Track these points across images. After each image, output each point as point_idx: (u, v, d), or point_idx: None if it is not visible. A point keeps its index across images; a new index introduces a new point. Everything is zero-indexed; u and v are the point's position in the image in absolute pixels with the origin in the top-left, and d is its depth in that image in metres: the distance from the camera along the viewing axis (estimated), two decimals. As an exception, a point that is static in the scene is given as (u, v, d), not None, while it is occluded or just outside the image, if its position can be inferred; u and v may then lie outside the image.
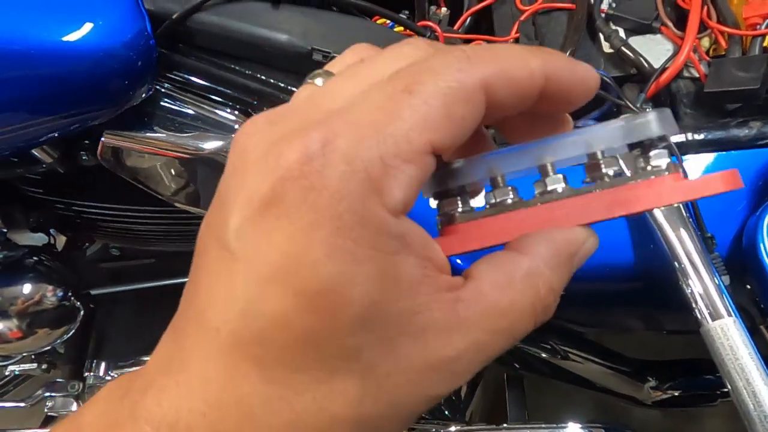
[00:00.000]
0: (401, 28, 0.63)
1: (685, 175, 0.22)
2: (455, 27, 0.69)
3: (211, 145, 0.59)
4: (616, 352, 0.90)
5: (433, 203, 0.24)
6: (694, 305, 0.49)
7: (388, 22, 0.63)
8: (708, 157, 0.57)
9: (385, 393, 0.20)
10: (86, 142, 0.67)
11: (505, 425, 0.70)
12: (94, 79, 0.51)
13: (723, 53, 0.62)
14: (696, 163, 0.57)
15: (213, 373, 0.20)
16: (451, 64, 0.20)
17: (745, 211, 0.56)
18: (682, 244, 0.51)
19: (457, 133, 0.20)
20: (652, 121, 0.22)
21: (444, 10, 0.71)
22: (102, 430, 0.21)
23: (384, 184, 0.19)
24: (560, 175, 0.22)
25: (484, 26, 0.71)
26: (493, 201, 0.22)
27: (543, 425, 0.68)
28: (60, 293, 0.74)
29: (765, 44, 0.60)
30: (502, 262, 0.21)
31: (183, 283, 0.76)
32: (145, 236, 0.83)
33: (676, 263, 0.51)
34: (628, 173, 0.21)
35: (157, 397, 0.20)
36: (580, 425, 0.69)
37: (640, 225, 0.55)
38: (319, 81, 0.23)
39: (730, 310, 0.48)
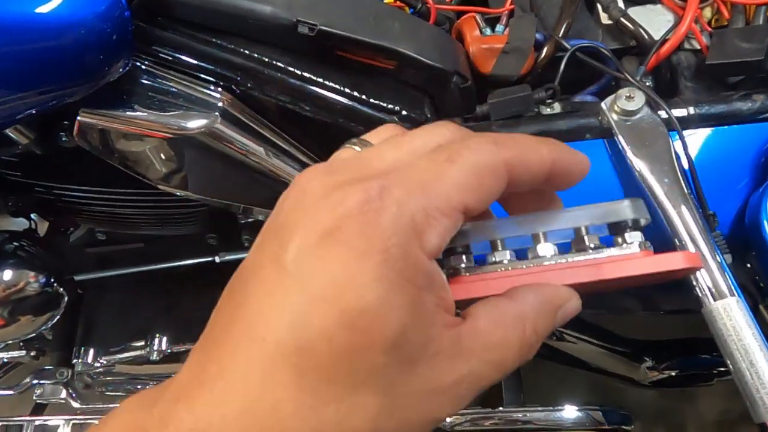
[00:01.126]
0: (391, 0, 0.61)
1: (654, 252, 0.26)
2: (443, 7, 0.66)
3: (195, 123, 0.56)
4: (612, 332, 0.89)
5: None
6: (695, 284, 0.47)
7: (378, -7, 0.60)
8: (710, 132, 0.55)
9: (399, 411, 0.22)
10: (65, 122, 0.64)
11: (501, 408, 0.69)
12: (67, 53, 0.48)
13: (726, 23, 0.60)
14: (698, 138, 0.55)
15: (252, 379, 0.22)
16: (484, 145, 0.25)
17: (748, 188, 0.54)
18: (684, 222, 0.50)
19: (485, 199, 0.24)
20: (627, 208, 0.27)
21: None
22: None
23: (424, 230, 0.23)
24: (550, 243, 0.27)
25: (477, -2, 0.68)
26: (493, 260, 0.27)
27: (539, 408, 0.67)
28: (42, 279, 0.71)
29: (769, 14, 0.58)
30: (495, 304, 0.25)
31: (172, 267, 0.73)
32: (131, 220, 0.81)
33: (677, 242, 0.49)
34: (608, 248, 0.26)
35: (189, 404, 0.22)
36: (576, 408, 0.68)
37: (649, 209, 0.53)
38: (357, 147, 0.27)
39: (733, 290, 0.46)
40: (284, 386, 0.21)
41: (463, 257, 0.27)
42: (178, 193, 0.63)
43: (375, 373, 0.22)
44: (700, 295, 0.47)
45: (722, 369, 0.88)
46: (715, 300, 0.46)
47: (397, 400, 0.22)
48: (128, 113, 0.55)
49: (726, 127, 0.54)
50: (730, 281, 0.47)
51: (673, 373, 0.89)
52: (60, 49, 0.48)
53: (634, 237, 0.26)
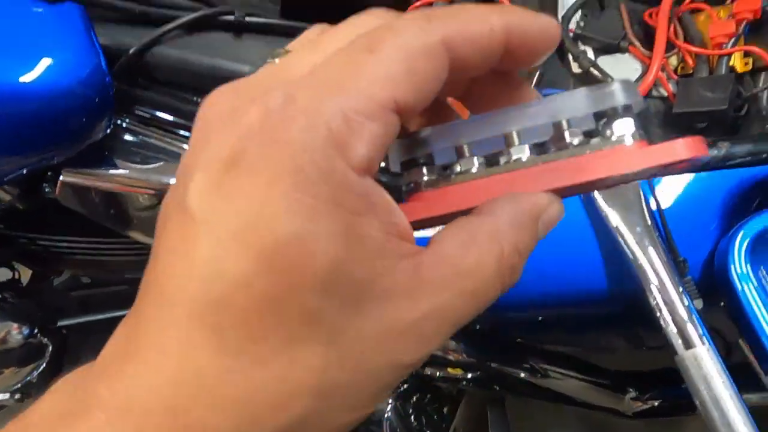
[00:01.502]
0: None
1: (650, 143, 0.22)
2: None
3: (160, 177, 0.57)
4: (594, 365, 0.90)
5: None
6: (667, 333, 0.49)
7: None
8: (678, 179, 0.57)
9: (350, 360, 0.19)
10: (48, 174, 0.65)
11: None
12: (51, 118, 0.50)
13: (691, 72, 0.62)
14: (667, 185, 0.56)
15: (169, 347, 0.19)
16: (412, 24, 0.20)
17: (717, 233, 0.56)
18: (655, 269, 0.51)
19: (421, 90, 0.20)
20: (616, 91, 0.22)
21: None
22: (51, 426, 0.20)
23: (347, 140, 0.18)
24: (525, 145, 0.22)
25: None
26: (458, 169, 0.22)
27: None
28: (26, 330, 0.71)
29: (731, 63, 0.60)
30: (465, 224, 0.21)
31: None
32: (116, 266, 0.81)
33: (647, 290, 0.50)
34: (594, 141, 0.22)
35: (110, 382, 0.19)
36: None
37: (614, 250, 0.54)
38: (275, 60, 0.23)
39: (704, 339, 0.47)
40: (204, 350, 0.18)
41: (423, 169, 0.23)
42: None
43: (310, 321, 0.18)
44: (671, 342, 0.48)
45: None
46: (686, 349, 0.47)
47: (345, 348, 0.19)
48: (110, 171, 0.56)
49: (694, 174, 0.56)
50: (700, 330, 0.48)
51: (657, 403, 0.90)
52: (45, 114, 0.49)
53: (626, 126, 0.21)
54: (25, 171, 0.53)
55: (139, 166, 0.57)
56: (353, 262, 0.18)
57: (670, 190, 0.56)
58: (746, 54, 0.60)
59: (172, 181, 0.61)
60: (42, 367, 0.75)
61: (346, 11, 0.68)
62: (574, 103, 0.22)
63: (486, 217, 0.21)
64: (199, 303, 0.18)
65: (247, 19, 0.55)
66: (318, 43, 0.22)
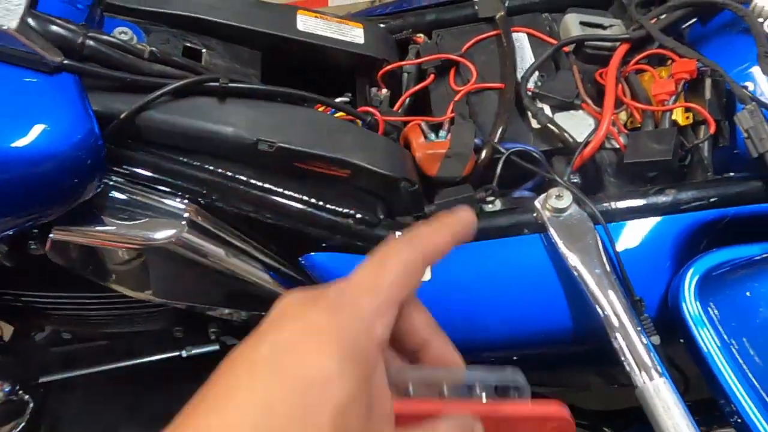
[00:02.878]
0: (342, 114, 0.67)
1: (532, 402, 0.32)
2: (395, 108, 0.73)
3: (163, 234, 0.60)
4: (571, 405, 0.92)
5: None
6: (627, 368, 0.52)
7: (330, 109, 0.67)
8: (633, 225, 0.61)
9: None
10: (34, 231, 0.68)
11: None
12: (45, 181, 0.52)
13: (639, 126, 0.68)
14: (623, 231, 0.61)
15: None
16: (404, 246, 0.32)
17: (670, 273, 0.60)
18: (614, 309, 0.55)
19: (411, 289, 0.32)
20: (509, 374, 0.33)
21: (384, 91, 0.75)
22: None
23: (374, 323, 0.30)
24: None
25: (422, 106, 0.75)
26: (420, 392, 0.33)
27: None
28: (6, 388, 0.72)
29: (673, 118, 0.66)
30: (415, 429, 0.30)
31: (138, 364, 0.75)
32: (99, 320, 0.82)
33: (608, 328, 0.54)
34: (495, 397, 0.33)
35: None
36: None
37: (577, 292, 0.58)
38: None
39: (660, 371, 0.51)
40: None
41: (410, 387, 0.33)
42: (144, 298, 0.65)
43: None
44: (632, 377, 0.52)
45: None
46: (645, 382, 0.51)
47: None
48: (98, 228, 0.58)
49: (646, 219, 0.61)
50: (657, 363, 0.52)
51: (631, 441, 0.93)
52: (38, 178, 0.51)
53: (521, 393, 0.32)
54: (17, 229, 0.56)
55: (126, 222, 0.60)
56: (360, 399, 0.27)
57: (625, 235, 0.61)
58: (687, 109, 0.66)
59: (157, 236, 0.62)
60: (21, 426, 0.75)
61: (317, 77, 0.72)
62: (488, 377, 0.32)
63: (431, 425, 0.30)
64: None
65: (230, 84, 0.59)
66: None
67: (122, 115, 0.55)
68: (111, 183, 0.60)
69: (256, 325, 0.76)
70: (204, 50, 0.66)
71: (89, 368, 0.91)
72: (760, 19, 0.63)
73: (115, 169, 0.59)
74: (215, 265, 0.63)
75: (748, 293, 0.53)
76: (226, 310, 0.77)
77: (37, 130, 0.51)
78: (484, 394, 0.32)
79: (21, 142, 0.50)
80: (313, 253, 0.63)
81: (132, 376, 0.93)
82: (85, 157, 0.53)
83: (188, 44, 0.65)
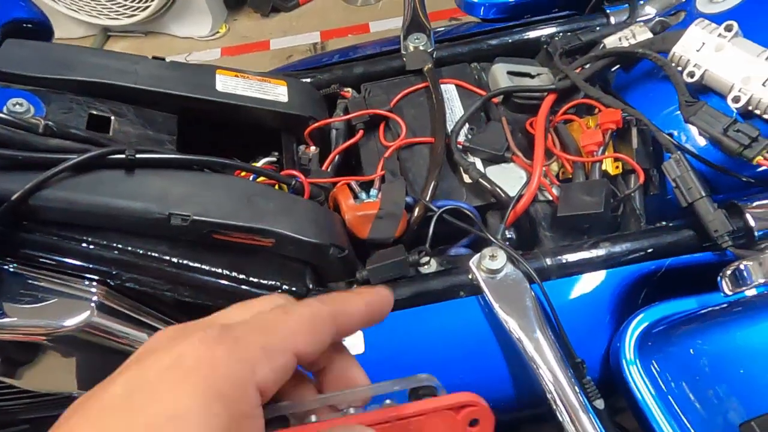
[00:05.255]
0: (263, 178, 0.64)
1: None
2: (324, 166, 0.70)
3: (71, 321, 0.55)
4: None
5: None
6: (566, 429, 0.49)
7: (251, 174, 0.63)
8: (570, 282, 0.60)
9: None
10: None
11: None
12: None
13: (570, 176, 0.67)
14: (559, 287, 0.59)
15: None
16: (313, 302, 0.29)
17: (610, 330, 0.58)
18: (554, 375, 0.52)
19: (315, 344, 0.28)
20: (421, 377, 0.31)
21: (313, 149, 0.73)
22: None
23: (258, 363, 0.26)
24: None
25: (352, 163, 0.73)
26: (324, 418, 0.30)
27: None
28: None
29: (603, 168, 0.65)
30: None
31: None
32: (11, 410, 0.75)
33: (548, 394, 0.51)
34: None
35: None
36: None
37: (516, 356, 0.55)
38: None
39: (603, 439, 0.48)
40: None
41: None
42: (51, 391, 0.59)
43: None
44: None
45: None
46: (589, 455, 0.48)
47: None
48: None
49: (582, 275, 0.59)
50: (597, 427, 0.49)
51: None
52: None
53: (427, 391, 0.31)
54: None
55: (28, 310, 0.54)
56: None
57: (562, 292, 0.59)
58: (616, 159, 0.66)
59: (65, 323, 0.57)
60: None
61: (242, 137, 0.69)
62: (390, 388, 0.31)
63: None
64: None
65: (138, 156, 0.55)
66: (245, 305, 0.30)
67: (14, 197, 0.50)
68: (10, 270, 0.54)
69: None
70: (113, 117, 0.61)
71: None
72: (679, 68, 0.64)
73: (11, 253, 0.54)
74: (131, 349, 0.58)
75: (691, 350, 0.51)
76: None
77: None
78: (388, 401, 0.30)
79: None
80: (238, 330, 0.59)
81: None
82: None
83: (94, 111, 0.61)
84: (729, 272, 0.53)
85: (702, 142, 0.63)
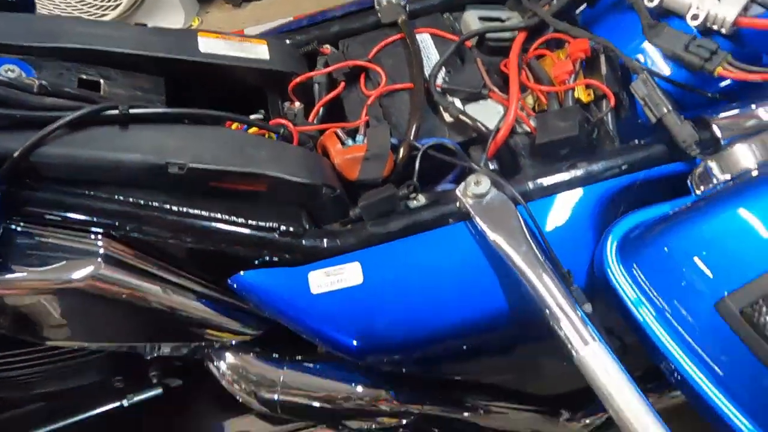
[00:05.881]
0: (255, 129, 0.66)
1: None
2: (310, 119, 0.73)
3: (79, 273, 0.57)
4: (527, 393, 0.92)
5: None
6: (564, 340, 0.53)
7: (242, 126, 0.66)
8: (552, 201, 0.63)
9: None
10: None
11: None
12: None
13: (545, 108, 0.70)
14: (543, 207, 0.62)
15: None
16: None
17: (593, 242, 0.62)
18: (544, 284, 0.56)
19: None
20: None
21: (297, 104, 0.75)
22: None
23: None
24: None
25: (336, 114, 0.75)
26: None
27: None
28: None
29: (576, 96, 0.69)
30: None
31: (80, 421, 0.70)
32: (26, 381, 0.77)
33: (539, 303, 0.55)
34: None
35: None
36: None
37: (507, 273, 0.59)
38: None
39: (594, 336, 0.52)
40: None
41: None
42: (65, 345, 0.62)
43: None
44: (568, 347, 0.52)
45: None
46: (580, 349, 0.51)
47: None
48: (8, 276, 0.55)
49: (562, 193, 0.63)
50: (591, 330, 0.52)
51: (588, 421, 0.94)
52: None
53: None
54: None
55: (37, 266, 0.56)
56: None
57: (546, 212, 0.62)
58: (587, 86, 0.69)
59: (74, 275, 0.59)
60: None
61: (228, 96, 0.71)
62: None
63: None
64: None
65: (132, 111, 0.57)
66: None
67: (15, 154, 0.52)
68: (17, 229, 0.57)
69: (197, 364, 0.72)
70: (102, 81, 0.64)
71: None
72: (640, -6, 0.67)
73: (16, 212, 0.56)
74: (139, 298, 0.60)
75: (665, 248, 0.54)
76: (166, 349, 0.74)
77: None
78: None
79: None
80: (241, 273, 0.62)
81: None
82: (-22, 201, 0.50)
83: (84, 76, 0.63)
84: (696, 173, 0.57)
85: (667, 66, 0.67)
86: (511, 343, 0.68)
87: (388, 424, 0.70)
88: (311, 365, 0.69)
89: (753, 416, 0.50)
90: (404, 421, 0.70)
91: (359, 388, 0.68)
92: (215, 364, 0.70)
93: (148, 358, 0.85)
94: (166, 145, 0.58)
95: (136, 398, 0.86)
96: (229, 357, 0.70)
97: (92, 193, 0.57)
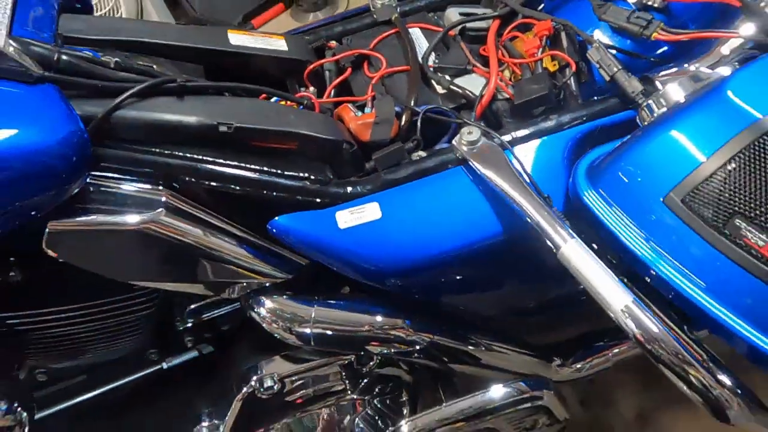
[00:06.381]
0: (283, 102, 0.79)
1: None
2: (323, 98, 0.86)
3: (140, 218, 0.68)
4: (525, 341, 1.04)
5: None
6: (546, 240, 0.65)
7: (272, 98, 0.79)
8: (532, 145, 0.77)
9: None
10: (11, 259, 0.74)
11: (444, 404, 0.81)
12: (35, 174, 0.60)
13: (520, 78, 0.85)
14: (525, 150, 0.76)
15: None
16: None
17: (566, 177, 0.76)
18: (529, 202, 0.69)
19: None
20: None
21: (312, 89, 0.89)
22: None
23: None
24: None
25: (345, 95, 0.89)
26: None
27: (472, 395, 0.80)
28: (3, 407, 0.74)
29: (544, 66, 0.84)
30: None
31: (121, 386, 0.83)
32: (76, 340, 0.86)
33: (526, 214, 0.68)
34: None
35: None
36: (502, 385, 0.82)
37: (498, 200, 0.72)
38: None
39: (572, 234, 0.65)
40: None
41: None
42: (130, 281, 0.72)
43: None
44: (551, 246, 0.65)
45: (615, 350, 1.06)
46: (561, 245, 0.64)
47: None
48: (88, 218, 0.66)
49: (540, 139, 0.77)
50: (567, 229, 0.65)
51: (579, 365, 1.06)
52: (28, 171, 0.59)
53: None
54: (9, 225, 0.62)
55: (110, 212, 0.68)
56: None
57: (527, 154, 0.76)
58: (553, 58, 0.84)
59: (139, 219, 0.70)
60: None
61: (253, 83, 0.84)
62: None
63: None
64: None
65: (188, 84, 0.70)
66: None
67: (100, 115, 0.64)
68: (92, 180, 0.68)
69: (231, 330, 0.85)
70: (154, 66, 0.76)
71: (70, 400, 0.93)
72: (590, -17, 0.83)
73: (96, 167, 0.67)
74: (193, 242, 0.72)
75: (621, 167, 0.67)
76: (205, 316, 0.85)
77: (30, 129, 0.59)
78: None
79: (15, 141, 0.58)
80: (276, 218, 0.74)
81: (117, 403, 0.96)
82: (72, 151, 0.61)
83: (139, 63, 0.76)
84: (642, 113, 0.71)
85: (615, 38, 0.82)
86: (509, 273, 0.81)
87: (404, 349, 0.81)
88: (337, 302, 0.81)
89: (713, 293, 0.62)
90: (417, 347, 0.81)
91: (378, 318, 0.80)
92: (256, 310, 0.81)
93: (181, 328, 0.95)
94: (216, 110, 0.71)
95: (175, 361, 0.96)
96: (267, 302, 0.80)
97: (157, 150, 0.69)
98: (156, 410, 0.97)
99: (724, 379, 0.62)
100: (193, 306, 0.93)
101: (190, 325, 0.95)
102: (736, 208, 0.58)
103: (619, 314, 0.62)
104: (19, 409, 0.78)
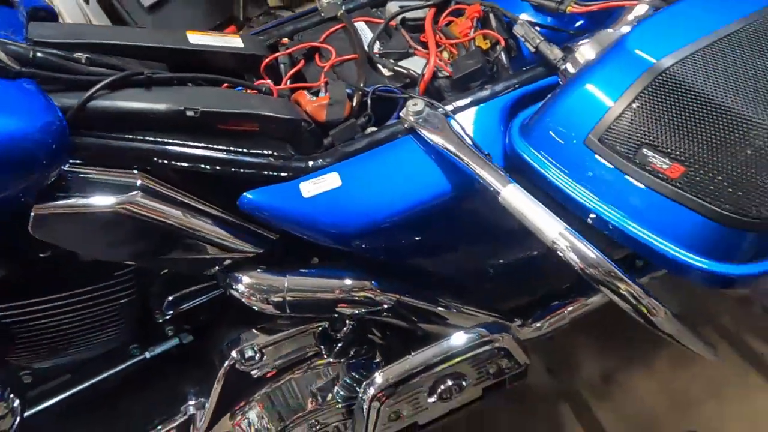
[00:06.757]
0: (244, 90, 0.87)
1: None
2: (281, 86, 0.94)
3: (114, 200, 0.73)
4: (489, 305, 1.11)
5: None
6: (488, 186, 0.74)
7: (233, 87, 0.86)
8: (470, 112, 0.86)
9: None
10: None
11: (412, 353, 0.88)
12: (18, 159, 0.65)
13: (457, 57, 0.94)
14: (465, 116, 0.85)
15: None
16: None
17: (502, 137, 0.85)
18: (472, 159, 0.77)
19: None
20: None
21: (268, 81, 0.96)
22: None
23: None
24: None
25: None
26: None
27: (436, 343, 0.88)
28: None
29: (477, 44, 0.93)
30: None
31: (105, 379, 0.88)
32: (59, 333, 0.89)
33: (469, 167, 0.76)
34: None
35: None
36: (463, 332, 0.89)
37: (445, 162, 0.80)
38: None
39: (509, 179, 0.74)
40: None
41: None
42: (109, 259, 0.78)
43: None
44: (492, 191, 0.73)
45: (570, 309, 1.15)
46: (501, 189, 0.73)
47: None
48: (70, 201, 0.71)
49: (477, 106, 0.86)
50: (504, 175, 0.74)
51: (538, 324, 1.14)
52: (18, 157, 0.64)
53: None
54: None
55: (90, 198, 0.73)
56: None
57: (467, 121, 0.85)
58: (485, 37, 0.94)
59: (116, 200, 0.76)
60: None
61: (209, 70, 0.91)
62: None
63: None
64: None
65: (154, 75, 0.77)
66: None
67: (76, 105, 0.70)
68: (71, 168, 0.74)
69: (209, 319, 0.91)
70: (121, 64, 0.83)
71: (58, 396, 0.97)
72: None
73: (74, 154, 0.73)
74: (167, 221, 0.77)
75: (546, 122, 0.77)
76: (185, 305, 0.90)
77: (13, 118, 0.65)
78: None
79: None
80: (245, 193, 0.80)
81: (105, 395, 1.00)
82: (52, 138, 0.67)
83: (107, 62, 0.82)
84: (561, 75, 0.81)
85: (536, 15, 0.93)
86: (462, 232, 0.89)
87: (373, 310, 0.88)
88: (307, 270, 0.87)
89: (634, 217, 0.71)
90: (386, 306, 0.88)
91: (347, 281, 0.86)
92: (234, 287, 0.86)
93: (160, 320, 1.00)
94: (182, 97, 0.77)
95: (158, 350, 1.00)
96: (244, 278, 0.86)
97: (130, 136, 0.75)
98: (143, 397, 1.00)
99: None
100: (170, 297, 0.98)
101: (169, 317, 1.00)
102: (643, 140, 0.68)
103: (556, 242, 0.70)
104: (11, 396, 0.81)
